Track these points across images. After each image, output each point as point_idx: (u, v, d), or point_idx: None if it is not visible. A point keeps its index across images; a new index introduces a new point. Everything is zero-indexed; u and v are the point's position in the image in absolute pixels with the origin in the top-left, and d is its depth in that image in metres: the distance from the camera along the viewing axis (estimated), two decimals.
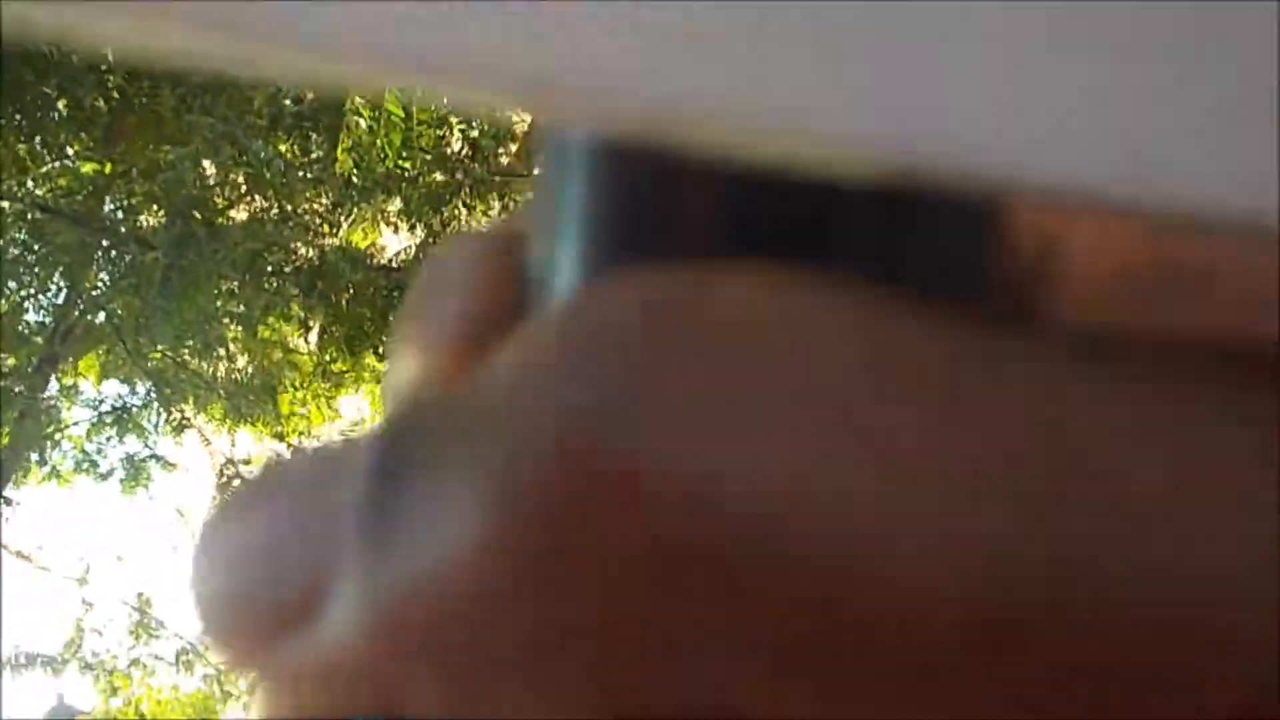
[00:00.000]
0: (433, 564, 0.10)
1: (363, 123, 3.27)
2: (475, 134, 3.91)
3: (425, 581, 0.10)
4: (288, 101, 3.68)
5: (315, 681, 0.12)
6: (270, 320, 4.72)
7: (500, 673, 0.10)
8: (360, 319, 4.49)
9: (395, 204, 4.40)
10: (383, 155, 3.35)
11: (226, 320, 4.54)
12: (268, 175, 3.53)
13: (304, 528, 0.12)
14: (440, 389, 0.12)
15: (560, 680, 0.10)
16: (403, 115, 3.30)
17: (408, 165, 3.65)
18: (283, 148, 3.90)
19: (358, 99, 3.30)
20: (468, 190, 4.29)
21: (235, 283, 4.34)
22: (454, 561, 0.10)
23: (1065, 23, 0.09)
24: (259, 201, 4.35)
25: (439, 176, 4.34)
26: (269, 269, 4.31)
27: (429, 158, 3.98)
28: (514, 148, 4.42)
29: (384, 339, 4.75)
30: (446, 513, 0.10)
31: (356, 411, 5.92)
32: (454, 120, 3.74)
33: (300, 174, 3.84)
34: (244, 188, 4.21)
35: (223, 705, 7.29)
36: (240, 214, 4.51)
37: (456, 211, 4.29)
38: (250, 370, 5.31)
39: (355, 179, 3.62)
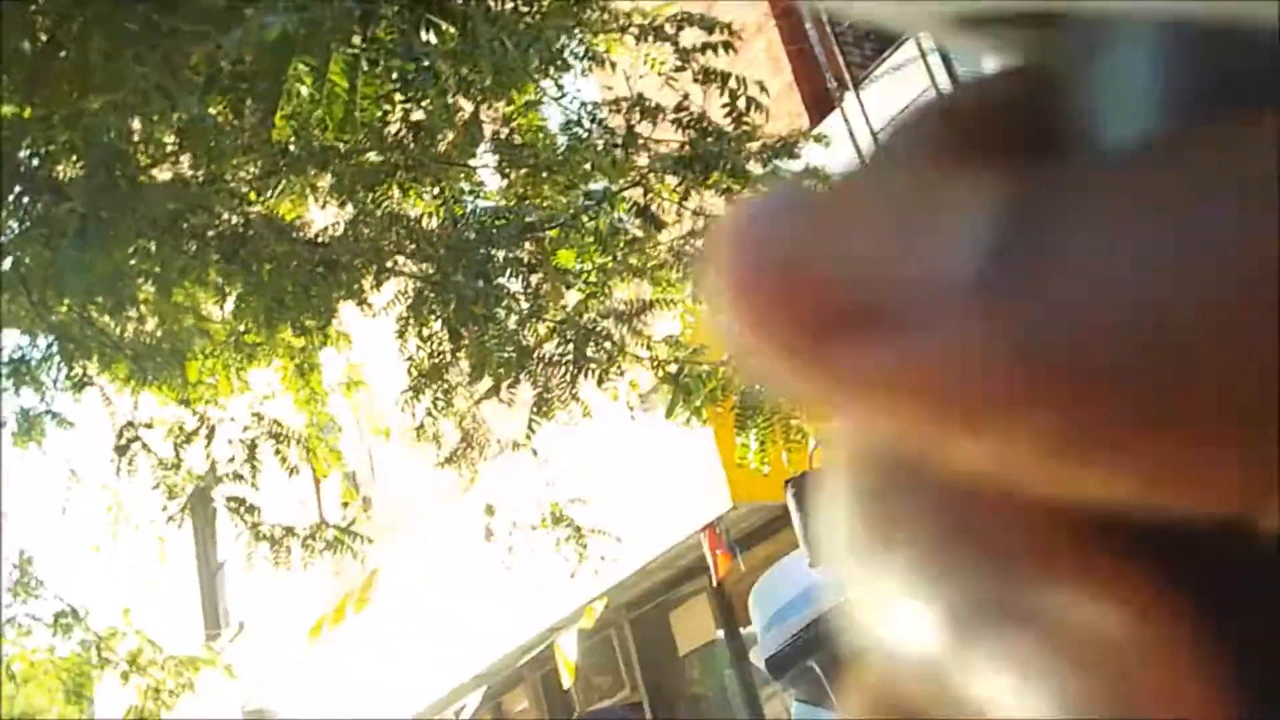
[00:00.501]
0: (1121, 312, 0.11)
1: (305, 91, 3.17)
2: (419, 115, 3.83)
3: (1103, 325, 0.11)
4: (224, 64, 3.56)
5: (898, 390, 0.12)
6: (186, 284, 4.57)
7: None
8: (280, 291, 4.37)
9: (326, 179, 4.29)
10: (323, 126, 3.25)
11: (140, 280, 4.39)
12: (199, 135, 3.41)
13: (914, 236, 0.12)
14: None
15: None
16: (346, 87, 3.21)
17: (346, 139, 3.56)
18: (214, 110, 3.78)
19: (301, 66, 3.20)
20: (403, 172, 4.20)
21: (153, 242, 4.19)
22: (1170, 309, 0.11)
23: None
24: (185, 162, 4.21)
25: (373, 156, 4.24)
26: (190, 232, 4.17)
27: (366, 134, 3.89)
28: (450, 136, 4.33)
29: (303, 314, 4.63)
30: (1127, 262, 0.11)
31: (266, 386, 5.77)
32: (398, 98, 3.65)
33: (231, 138, 3.72)
34: (171, 146, 4.07)
35: (99, 671, 7.08)
36: (164, 173, 4.36)
37: (390, 193, 4.20)
38: (159, 333, 5.15)
39: (292, 148, 3.51)
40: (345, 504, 8.55)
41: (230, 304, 4.79)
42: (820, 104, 6.68)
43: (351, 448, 8.96)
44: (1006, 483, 0.12)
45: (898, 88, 6.30)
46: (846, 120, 6.43)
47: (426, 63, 3.41)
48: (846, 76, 6.52)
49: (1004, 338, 0.11)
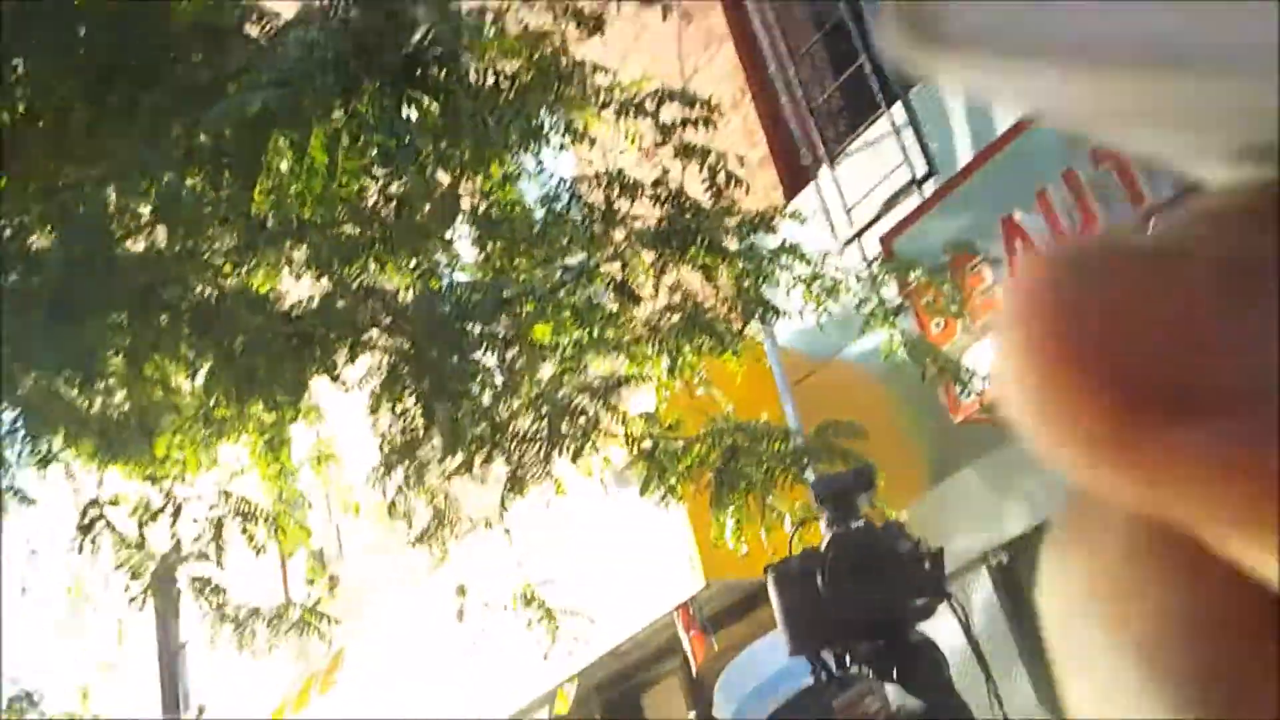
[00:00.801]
0: None
1: (284, 165, 3.16)
2: (397, 188, 3.83)
3: None
4: (204, 138, 3.56)
5: (1234, 476, 0.12)
6: (156, 357, 4.52)
7: None
8: (253, 365, 4.32)
9: (302, 251, 4.27)
10: (301, 200, 3.24)
11: (111, 353, 4.33)
12: (176, 209, 3.39)
13: (1230, 322, 0.12)
14: None
15: None
16: (326, 162, 3.20)
17: (324, 213, 3.55)
18: (193, 180, 3.77)
19: (281, 141, 3.20)
20: (380, 245, 4.18)
21: (125, 315, 4.15)
22: None
23: None
24: (160, 233, 4.18)
25: (348, 229, 4.23)
26: (163, 304, 4.13)
27: (344, 208, 3.88)
28: (427, 208, 4.34)
29: (275, 390, 4.58)
30: None
31: (235, 461, 5.69)
32: (378, 172, 3.65)
33: (208, 210, 3.70)
34: (146, 218, 4.04)
35: None
36: (138, 244, 4.33)
37: (367, 266, 4.18)
38: (127, 408, 5.07)
39: (270, 223, 3.50)
40: (311, 582, 8.40)
41: (201, 377, 4.73)
42: (795, 178, 6.75)
43: (319, 524, 8.82)
44: None
45: (871, 163, 6.38)
46: (821, 195, 6.50)
47: (407, 139, 3.41)
48: (822, 151, 6.60)
49: None
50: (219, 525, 5.55)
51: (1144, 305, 0.12)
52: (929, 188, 6.09)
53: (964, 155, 6.02)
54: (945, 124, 6.20)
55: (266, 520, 5.73)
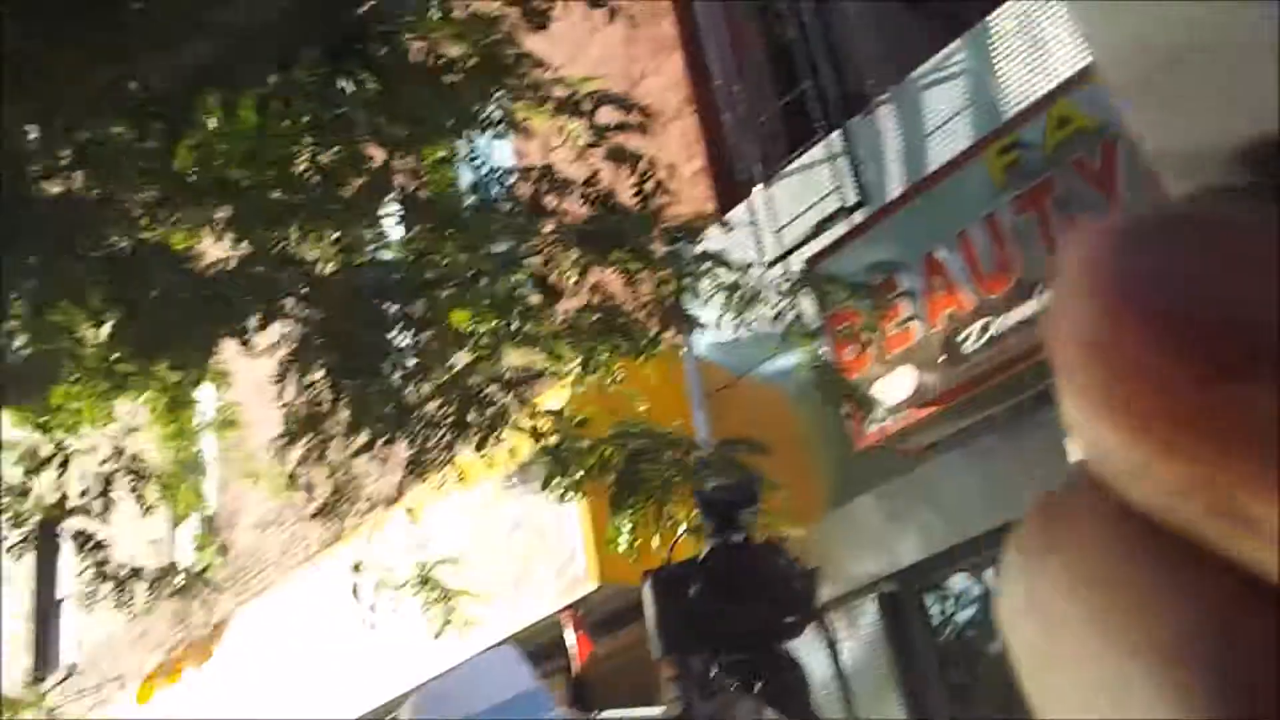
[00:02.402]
0: None
1: (213, 122, 3.11)
2: (326, 158, 3.79)
3: None
4: (135, 86, 3.49)
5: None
6: (63, 305, 4.41)
7: None
8: (164, 321, 4.23)
9: (225, 211, 4.20)
10: (227, 160, 3.19)
11: (14, 295, 4.22)
12: (100, 154, 3.31)
13: None
14: None
15: None
16: (257, 124, 3.16)
17: (249, 174, 3.50)
18: (118, 128, 3.69)
19: (210, 99, 3.15)
20: (305, 213, 4.13)
21: (34, 258, 4.04)
22: None
23: None
24: (78, 179, 4.08)
25: (277, 194, 4.17)
26: (76, 250, 4.03)
27: (272, 172, 3.83)
28: (357, 182, 4.29)
29: (183, 348, 4.50)
30: None
31: (132, 418, 5.57)
32: (308, 140, 3.61)
33: (131, 160, 3.62)
34: (65, 160, 3.95)
35: None
36: (55, 187, 4.23)
37: (290, 233, 4.12)
38: (27, 353, 4.94)
39: (192, 177, 3.44)
40: (201, 548, 8.25)
41: (107, 329, 4.63)
42: (728, 194, 6.80)
43: (213, 491, 8.66)
44: None
45: (804, 187, 6.46)
46: (752, 212, 6.56)
47: (340, 110, 3.39)
48: (758, 169, 6.66)
49: None
50: (108, 481, 5.43)
51: (1216, 262, 0.13)
52: (858, 217, 6.17)
53: (894, 189, 6.12)
54: (879, 156, 6.30)
55: (159, 480, 5.62)
